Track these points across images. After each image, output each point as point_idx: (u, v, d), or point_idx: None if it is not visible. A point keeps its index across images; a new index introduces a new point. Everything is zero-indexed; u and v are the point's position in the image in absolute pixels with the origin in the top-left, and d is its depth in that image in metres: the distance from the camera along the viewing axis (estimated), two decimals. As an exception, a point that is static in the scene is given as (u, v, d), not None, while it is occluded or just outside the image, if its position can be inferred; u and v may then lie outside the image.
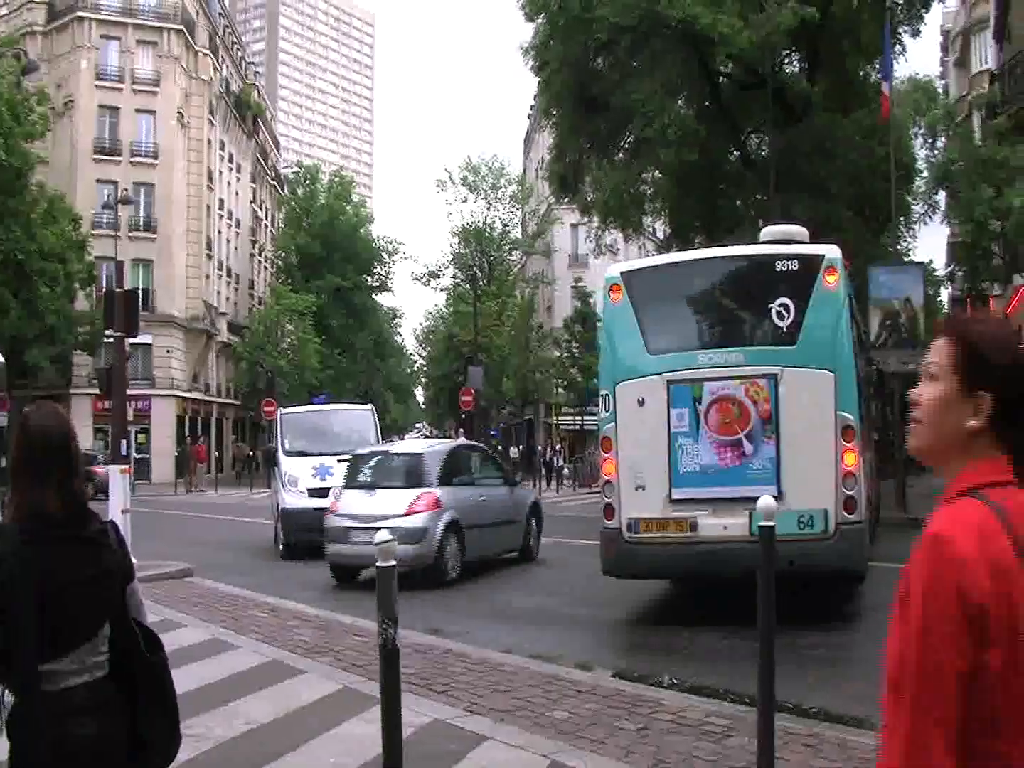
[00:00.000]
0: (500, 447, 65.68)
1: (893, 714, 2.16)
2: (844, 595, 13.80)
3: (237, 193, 79.38)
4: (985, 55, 48.09)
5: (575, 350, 59.23)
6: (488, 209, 68.72)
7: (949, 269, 37.21)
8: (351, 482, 18.27)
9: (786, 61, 32.85)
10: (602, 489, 13.19)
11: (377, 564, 5.58)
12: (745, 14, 25.91)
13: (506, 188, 69.48)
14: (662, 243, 42.36)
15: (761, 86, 28.72)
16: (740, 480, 11.96)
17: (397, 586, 5.50)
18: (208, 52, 69.27)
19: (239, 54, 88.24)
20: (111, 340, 19.28)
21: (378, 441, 23.29)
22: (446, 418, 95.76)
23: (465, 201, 68.32)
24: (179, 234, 63.36)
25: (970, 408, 2.28)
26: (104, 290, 35.35)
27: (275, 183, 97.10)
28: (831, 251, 12.58)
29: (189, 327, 64.29)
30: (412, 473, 17.84)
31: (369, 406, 25.80)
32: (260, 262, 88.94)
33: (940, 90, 58.83)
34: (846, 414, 11.98)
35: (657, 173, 32.52)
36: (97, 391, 30.85)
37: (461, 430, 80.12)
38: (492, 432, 48.71)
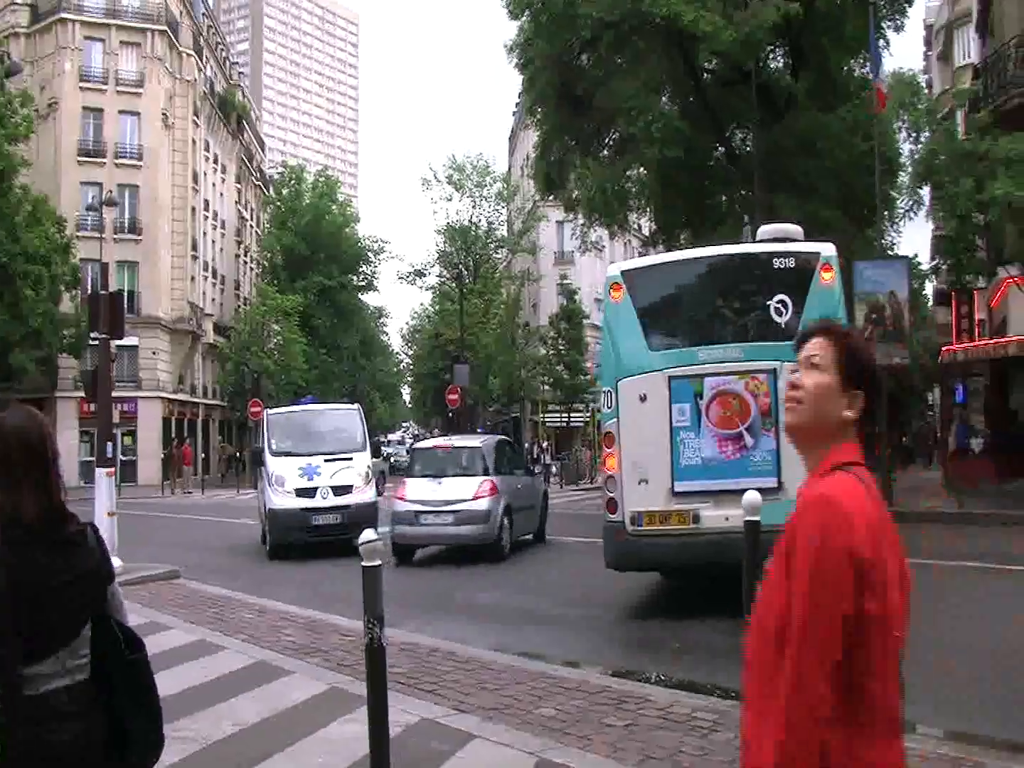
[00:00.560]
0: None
1: (775, 659, 2.50)
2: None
3: (222, 194, 79.21)
4: (968, 49, 48.20)
5: (561, 347, 59.27)
6: (473, 207, 68.79)
7: (933, 263, 37.28)
8: (414, 472, 20.88)
9: (770, 57, 32.85)
10: (604, 484, 13.44)
11: (363, 564, 5.57)
12: (728, 11, 25.91)
13: (491, 186, 69.55)
14: (647, 240, 42.36)
15: (745, 82, 28.72)
16: (741, 472, 12.25)
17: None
18: (192, 53, 69.09)
19: (223, 54, 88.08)
20: (96, 342, 19.18)
21: (365, 441, 23.16)
22: (433, 416, 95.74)
23: (450, 199, 68.38)
24: (164, 235, 63.21)
25: (847, 401, 2.75)
26: (89, 292, 35.29)
27: (260, 183, 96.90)
28: (827, 249, 12.93)
29: (175, 328, 64.15)
30: (472, 463, 20.72)
31: (356, 406, 25.62)
32: (246, 263, 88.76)
33: (924, 84, 58.96)
34: None
35: (642, 170, 32.51)
36: (83, 394, 30.70)
37: (435, 431, 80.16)
38: (479, 430, 48.59)
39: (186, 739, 7.56)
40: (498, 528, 19.36)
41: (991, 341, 33.82)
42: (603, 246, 43.35)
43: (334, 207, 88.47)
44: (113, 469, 18.49)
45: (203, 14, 78.02)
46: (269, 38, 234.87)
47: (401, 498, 19.97)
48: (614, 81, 29.00)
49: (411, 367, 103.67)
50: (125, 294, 35.24)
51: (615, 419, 12.99)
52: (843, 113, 29.72)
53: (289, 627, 12.29)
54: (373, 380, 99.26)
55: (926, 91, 55.48)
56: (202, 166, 71.58)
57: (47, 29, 62.69)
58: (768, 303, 12.72)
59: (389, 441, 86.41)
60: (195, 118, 69.34)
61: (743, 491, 11.18)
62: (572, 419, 61.48)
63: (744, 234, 26.59)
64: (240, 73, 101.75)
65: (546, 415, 68.31)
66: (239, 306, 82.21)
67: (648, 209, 35.95)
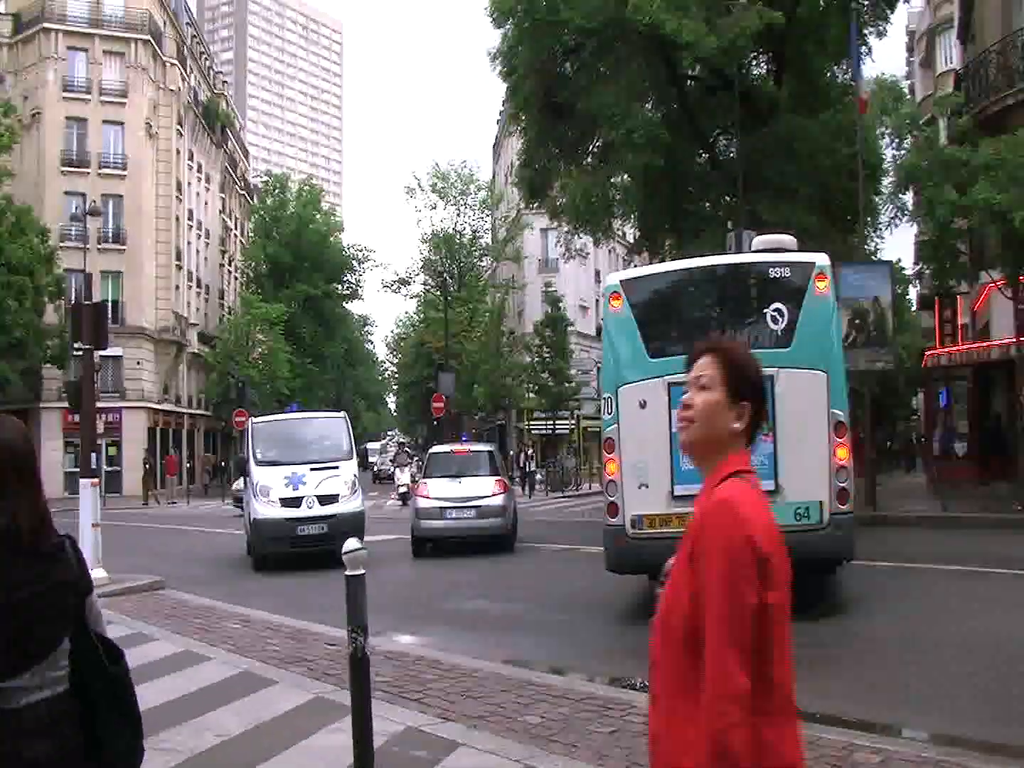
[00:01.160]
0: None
1: (681, 657, 2.70)
2: (814, 592, 13.89)
3: (206, 203, 79.11)
4: (950, 55, 48.43)
5: (546, 355, 59.24)
6: (458, 215, 68.91)
7: (917, 268, 37.42)
8: (433, 473, 23.59)
9: (752, 63, 32.91)
10: (605, 488, 13.71)
11: (346, 573, 5.57)
12: (710, 18, 25.93)
13: (475, 194, 69.72)
14: (632, 246, 42.42)
15: (728, 88, 28.77)
16: None
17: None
18: (176, 62, 68.98)
19: (207, 64, 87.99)
20: (80, 353, 19.16)
21: (351, 449, 22.85)
22: (418, 425, 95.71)
23: (435, 208, 68.51)
24: (148, 245, 63.05)
25: (735, 414, 2.93)
26: (73, 303, 35.23)
27: (244, 192, 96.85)
28: (821, 259, 13.38)
29: (159, 338, 64.00)
30: (486, 465, 24.09)
31: (342, 413, 25.20)
32: (230, 272, 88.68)
33: (906, 90, 59.17)
34: (838, 411, 12.87)
35: (625, 177, 32.53)
36: (66, 404, 30.65)
37: (420, 439, 79.94)
38: (463, 438, 48.56)
39: (171, 750, 7.54)
40: (511, 521, 22.82)
41: (974, 345, 33.98)
42: (587, 253, 43.24)
43: (318, 216, 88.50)
44: (97, 480, 18.45)
45: (187, 23, 77.94)
46: (253, 47, 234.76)
47: (425, 496, 22.68)
48: (597, 88, 28.99)
49: (396, 375, 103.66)
50: (109, 304, 35.30)
51: (615, 425, 13.25)
52: (826, 119, 29.77)
53: (274, 637, 12.27)
54: (358, 389, 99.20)
55: (908, 97, 55.75)
56: (186, 175, 71.46)
57: (30, 39, 62.51)
58: (764, 311, 13.11)
59: (367, 450, 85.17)
60: (179, 127, 69.25)
61: None
62: (557, 427, 61.46)
63: (728, 240, 26.53)
64: (224, 82, 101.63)
65: (531, 423, 68.27)
66: (223, 315, 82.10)
67: (632, 216, 35.94)
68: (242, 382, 66.28)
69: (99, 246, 58.37)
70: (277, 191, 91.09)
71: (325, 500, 20.97)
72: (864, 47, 31.54)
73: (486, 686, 9.32)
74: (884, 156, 35.39)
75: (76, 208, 53.83)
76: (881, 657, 10.69)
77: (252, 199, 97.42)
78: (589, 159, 33.32)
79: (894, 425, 65.24)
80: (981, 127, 28.18)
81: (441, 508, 22.38)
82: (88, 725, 3.25)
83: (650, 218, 33.93)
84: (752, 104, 29.48)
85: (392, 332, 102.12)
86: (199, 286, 76.20)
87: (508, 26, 30.62)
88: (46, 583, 3.14)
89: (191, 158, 73.73)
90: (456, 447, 26.72)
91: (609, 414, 13.41)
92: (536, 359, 60.34)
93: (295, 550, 20.56)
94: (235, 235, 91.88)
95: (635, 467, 13.03)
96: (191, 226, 73.17)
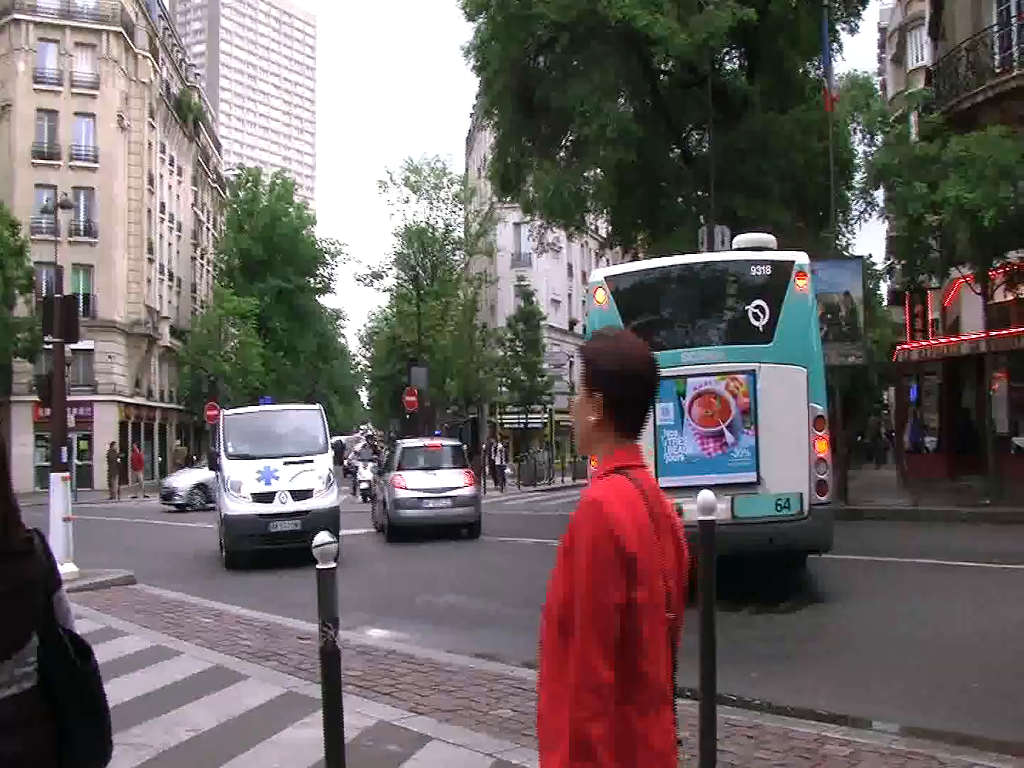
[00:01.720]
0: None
1: (558, 643, 2.80)
2: (786, 586, 14.02)
3: (178, 196, 78.78)
4: (921, 52, 48.65)
5: (519, 349, 59.23)
6: (431, 209, 68.67)
7: (888, 263, 37.53)
8: (409, 466, 25.13)
9: (725, 59, 32.97)
10: (589, 479, 13.56)
11: (317, 567, 5.55)
12: (683, 15, 25.96)
13: (448, 188, 69.44)
14: (604, 241, 42.45)
15: (701, 84, 28.81)
16: (722, 468, 13.11)
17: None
18: (148, 54, 68.64)
19: (179, 56, 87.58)
20: (50, 347, 19.06)
21: (326, 443, 22.16)
22: (391, 419, 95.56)
23: (407, 202, 68.22)
24: (120, 238, 62.76)
25: (592, 406, 2.99)
26: (43, 296, 35.02)
27: (217, 186, 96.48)
28: (800, 257, 13.85)
29: (131, 332, 63.71)
30: (455, 458, 26.43)
31: (317, 406, 24.55)
32: (202, 265, 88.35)
33: (878, 87, 59.40)
34: (817, 405, 13.33)
35: (598, 172, 32.57)
36: (37, 398, 30.47)
37: (393, 433, 79.62)
38: (436, 432, 48.52)
39: (141, 746, 7.53)
40: (480, 510, 25.04)
41: (944, 340, 34.14)
42: (560, 248, 43.44)
43: (291, 209, 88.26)
44: (68, 474, 18.32)
45: (159, 16, 77.51)
46: (225, 40, 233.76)
47: (403, 487, 24.14)
48: (570, 83, 28.99)
49: (368, 370, 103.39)
50: (80, 297, 35.05)
51: None
52: (798, 114, 29.86)
53: (245, 631, 12.24)
54: (331, 383, 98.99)
55: (880, 93, 55.97)
56: (158, 168, 71.15)
57: (0, 30, 62.08)
58: (746, 308, 13.50)
59: (342, 444, 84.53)
60: (151, 120, 68.93)
61: (724, 486, 12.47)
62: (530, 420, 61.45)
63: (701, 235, 26.69)
64: (196, 75, 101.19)
65: (504, 417, 68.29)
66: (196, 309, 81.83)
67: (605, 211, 36.00)
68: (214, 376, 66.15)
69: (70, 239, 58.03)
70: (249, 184, 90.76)
71: (299, 495, 20.23)
72: (836, 44, 31.66)
73: (458, 680, 9.33)
74: (856, 152, 35.55)
75: (47, 201, 53.45)
76: (852, 651, 10.75)
77: (224, 192, 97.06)
78: (562, 153, 33.34)
79: (865, 420, 65.48)
80: (951, 124, 28.29)
81: (419, 498, 24.04)
82: (56, 722, 3.23)
83: (623, 213, 33.98)
84: (725, 100, 29.53)
85: (365, 326, 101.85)
86: (171, 279, 75.89)
87: (481, 20, 30.62)
88: (15, 580, 3.12)
89: (163, 151, 73.42)
90: (429, 442, 28.83)
91: None
92: (509, 353, 60.35)
93: (268, 547, 19.81)
94: (207, 228, 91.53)
95: None
96: (163, 219, 72.86)
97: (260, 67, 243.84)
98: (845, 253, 35.33)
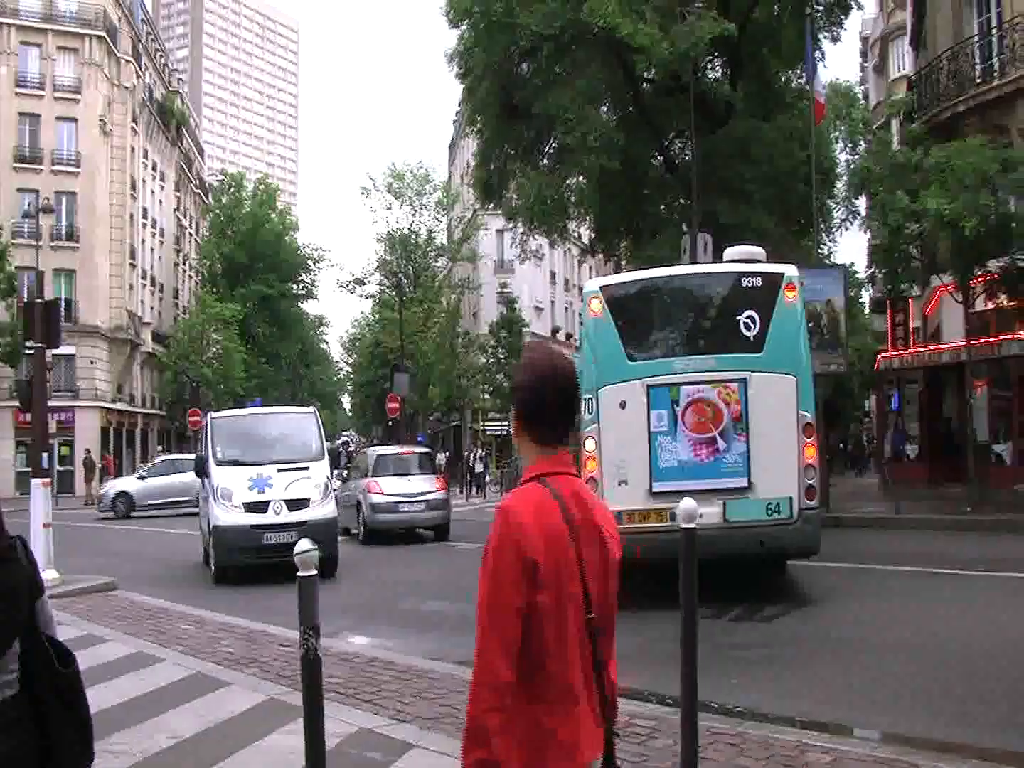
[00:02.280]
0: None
1: (477, 637, 2.94)
2: (771, 593, 14.06)
3: (161, 202, 78.63)
4: (903, 61, 48.86)
5: (501, 355, 59.26)
6: (413, 215, 68.60)
7: (869, 272, 37.71)
8: (383, 472, 26.35)
9: (708, 67, 33.04)
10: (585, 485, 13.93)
11: (298, 575, 5.55)
12: (665, 25, 26.01)
13: (431, 194, 69.39)
14: (587, 247, 42.49)
15: (684, 91, 28.85)
16: (714, 473, 13.60)
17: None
18: (131, 59, 68.54)
19: (162, 61, 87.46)
20: (32, 351, 18.99)
21: (322, 448, 20.73)
22: (373, 425, 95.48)
23: (390, 208, 68.13)
24: (102, 243, 62.61)
25: (514, 419, 3.22)
26: (25, 301, 34.82)
27: (199, 191, 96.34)
28: (790, 269, 14.34)
29: (112, 337, 63.55)
30: (426, 464, 28.15)
31: (311, 408, 23.55)
32: (184, 271, 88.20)
33: (860, 95, 59.62)
34: (806, 413, 13.77)
35: (580, 179, 32.60)
36: (18, 404, 30.34)
37: (375, 440, 79.54)
38: (419, 438, 48.52)
39: (122, 753, 7.50)
40: (449, 514, 26.40)
41: (925, 348, 34.28)
42: (543, 255, 43.39)
43: (273, 215, 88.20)
44: (49, 480, 18.26)
45: (142, 20, 77.40)
46: (209, 45, 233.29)
47: (380, 492, 25.41)
48: (553, 90, 29.01)
49: (351, 376, 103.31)
50: (62, 302, 34.98)
51: (596, 424, 13.89)
52: (780, 122, 29.98)
53: (227, 638, 12.21)
54: (313, 389, 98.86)
55: (862, 102, 56.20)
56: (140, 173, 71.01)
57: (-19, 34, 61.91)
58: (738, 318, 13.89)
59: (341, 449, 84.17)
60: (133, 125, 68.79)
61: (716, 491, 13.27)
62: (512, 428, 61.56)
63: (684, 242, 26.75)
64: (179, 80, 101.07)
65: (486, 423, 68.30)
66: (178, 315, 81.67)
67: (588, 217, 36.04)
68: (196, 382, 65.97)
69: (52, 244, 57.98)
70: (232, 190, 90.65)
71: (294, 505, 18.82)
72: (818, 52, 31.78)
73: (440, 687, 9.31)
74: (838, 161, 35.70)
75: (28, 205, 53.18)
76: (835, 657, 10.77)
77: (207, 198, 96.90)
78: (545, 160, 33.36)
79: (847, 427, 65.71)
80: (932, 133, 28.45)
81: (395, 502, 25.31)
82: (38, 728, 3.22)
83: (606, 220, 34.04)
84: (708, 107, 29.60)
85: (347, 332, 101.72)
86: (153, 285, 75.74)
87: (464, 27, 30.62)
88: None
89: (145, 156, 73.29)
90: (400, 449, 30.33)
91: (589, 414, 13.95)
92: (491, 360, 60.37)
93: (261, 561, 18.25)
94: (190, 234, 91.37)
95: (615, 464, 13.76)
96: (145, 224, 72.71)
97: (243, 72, 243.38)
98: (827, 261, 35.46)
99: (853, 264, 57.52)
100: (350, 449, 59.37)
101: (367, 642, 12.46)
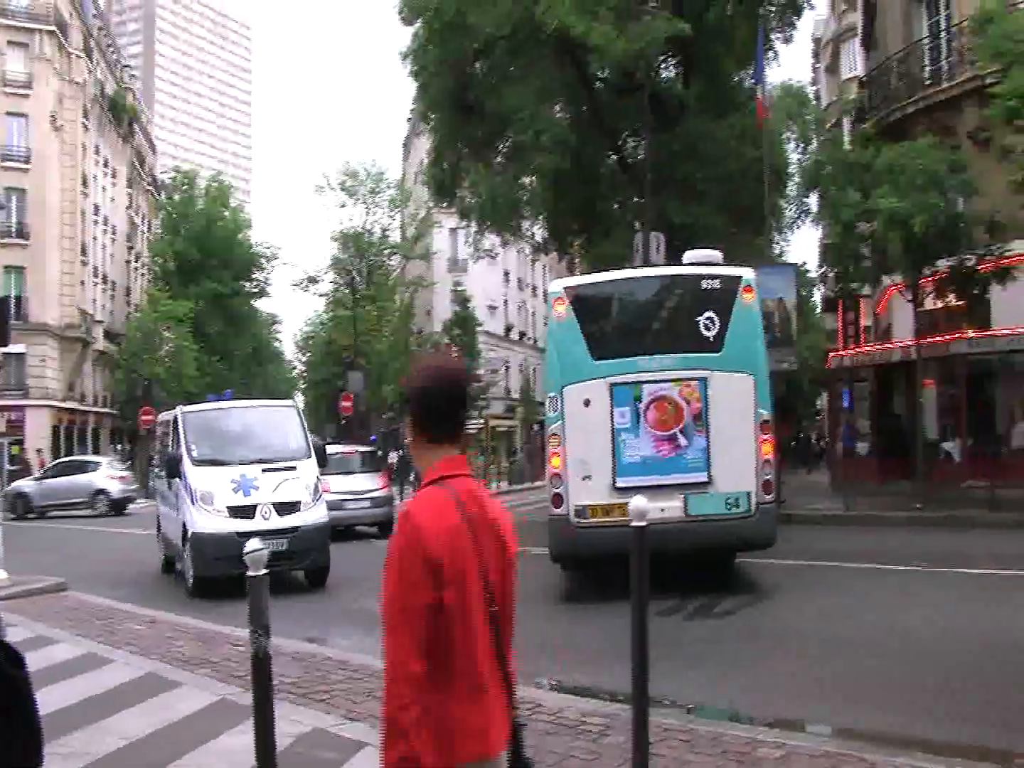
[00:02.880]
0: (379, 452, 65.42)
1: (386, 637, 3.05)
2: (721, 589, 14.19)
3: (113, 198, 77.96)
4: (854, 62, 49.30)
5: (455, 354, 59.27)
6: (367, 213, 68.41)
7: (821, 270, 37.95)
8: (329, 471, 23.07)
9: (661, 66, 33.16)
10: (550, 481, 14.71)
11: (248, 574, 5.55)
12: (619, 24, 26.09)
13: (385, 192, 69.22)
14: (540, 246, 42.54)
15: (637, 91, 28.97)
16: (676, 469, 14.17)
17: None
18: (82, 54, 67.88)
19: (114, 57, 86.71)
20: (-20, 350, 18.81)
21: (309, 445, 18.75)
22: (326, 423, 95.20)
23: (343, 206, 67.92)
24: (52, 240, 61.93)
25: (410, 425, 3.33)
26: (-27, 299, 34.46)
27: (152, 188, 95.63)
28: (747, 272, 14.87)
29: (64, 335, 62.95)
30: (368, 462, 29.03)
31: (291, 402, 22.28)
32: (137, 268, 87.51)
33: (812, 96, 60.04)
34: (763, 411, 14.31)
35: (533, 178, 32.66)
36: (-33, 402, 30.15)
37: (329, 438, 79.25)
38: (372, 438, 48.40)
39: (72, 755, 7.46)
40: (392, 511, 26.02)
41: (876, 347, 34.57)
42: (496, 253, 43.39)
43: (227, 213, 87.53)
44: (-1, 479, 18.10)
45: (93, 15, 76.65)
46: (161, 41, 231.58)
47: (327, 490, 21.68)
48: (507, 88, 29.04)
49: (304, 374, 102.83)
50: (12, 300, 34.52)
51: (561, 422, 14.41)
52: (733, 121, 30.12)
53: (180, 638, 12.16)
54: (266, 387, 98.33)
55: (814, 102, 56.59)
56: (92, 170, 70.37)
57: (-71, 28, 61.17)
58: (698, 319, 14.41)
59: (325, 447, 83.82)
60: (85, 121, 68.16)
61: (677, 486, 13.91)
62: (468, 425, 61.58)
63: (636, 241, 26.82)
64: (132, 76, 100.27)
65: (440, 422, 68.15)
66: (130, 312, 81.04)
67: (540, 216, 36.10)
68: (148, 380, 65.49)
69: (2, 241, 57.46)
70: (185, 187, 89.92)
71: (284, 509, 17.17)
72: (771, 52, 32.01)
73: (392, 686, 9.30)
74: (790, 160, 35.92)
75: (-22, 202, 52.71)
76: (786, 653, 10.87)
77: (159, 195, 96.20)
78: (499, 159, 33.38)
79: (799, 425, 66.16)
80: (883, 134, 28.72)
81: (342, 500, 25.11)
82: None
83: (559, 218, 34.13)
84: (661, 106, 29.68)
85: (301, 331, 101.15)
86: (105, 282, 75.10)
87: (418, 25, 30.58)
88: None
89: (97, 152, 72.63)
90: (344, 448, 29.90)
91: (555, 412, 14.50)
92: (445, 359, 60.30)
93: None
94: (142, 231, 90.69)
95: (579, 461, 14.25)
96: (97, 221, 72.07)
97: (196, 69, 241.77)
98: (779, 260, 35.67)
99: (805, 263, 57.94)
100: None
101: (320, 641, 12.43)
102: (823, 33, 61.56)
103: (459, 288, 68.56)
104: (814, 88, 63.51)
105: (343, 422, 53.54)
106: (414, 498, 3.28)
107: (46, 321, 60.61)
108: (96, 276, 71.78)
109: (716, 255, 15.84)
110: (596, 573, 15.10)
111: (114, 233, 78.17)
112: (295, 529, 16.96)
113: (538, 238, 41.59)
